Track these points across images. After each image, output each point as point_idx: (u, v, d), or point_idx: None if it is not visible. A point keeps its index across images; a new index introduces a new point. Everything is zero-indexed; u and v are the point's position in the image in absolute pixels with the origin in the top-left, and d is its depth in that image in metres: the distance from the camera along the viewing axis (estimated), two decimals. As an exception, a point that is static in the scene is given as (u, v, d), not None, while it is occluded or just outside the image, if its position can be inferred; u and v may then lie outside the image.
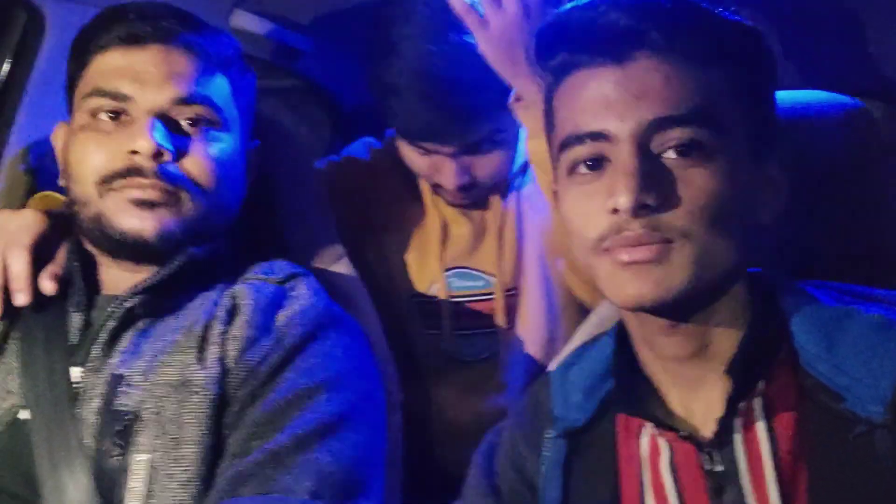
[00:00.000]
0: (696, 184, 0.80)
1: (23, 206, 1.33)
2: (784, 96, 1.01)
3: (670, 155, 0.81)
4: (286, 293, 1.09)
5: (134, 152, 1.03)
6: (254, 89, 1.20)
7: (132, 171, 1.03)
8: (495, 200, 1.43)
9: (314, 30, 1.65)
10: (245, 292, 1.08)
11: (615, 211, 0.80)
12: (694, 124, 0.80)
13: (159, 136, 1.03)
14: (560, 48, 0.86)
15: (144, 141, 1.02)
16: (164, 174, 1.04)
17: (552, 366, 1.06)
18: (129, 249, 1.06)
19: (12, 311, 1.07)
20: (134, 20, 1.07)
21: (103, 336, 1.04)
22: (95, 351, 1.04)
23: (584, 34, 0.83)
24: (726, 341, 0.85)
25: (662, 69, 0.81)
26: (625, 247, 0.81)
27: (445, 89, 1.25)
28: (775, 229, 0.94)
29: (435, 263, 1.44)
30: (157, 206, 1.04)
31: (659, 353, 0.88)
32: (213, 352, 1.02)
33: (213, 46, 1.11)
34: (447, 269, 1.45)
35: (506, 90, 1.23)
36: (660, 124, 0.80)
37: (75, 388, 1.02)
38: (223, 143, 1.10)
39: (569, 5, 0.85)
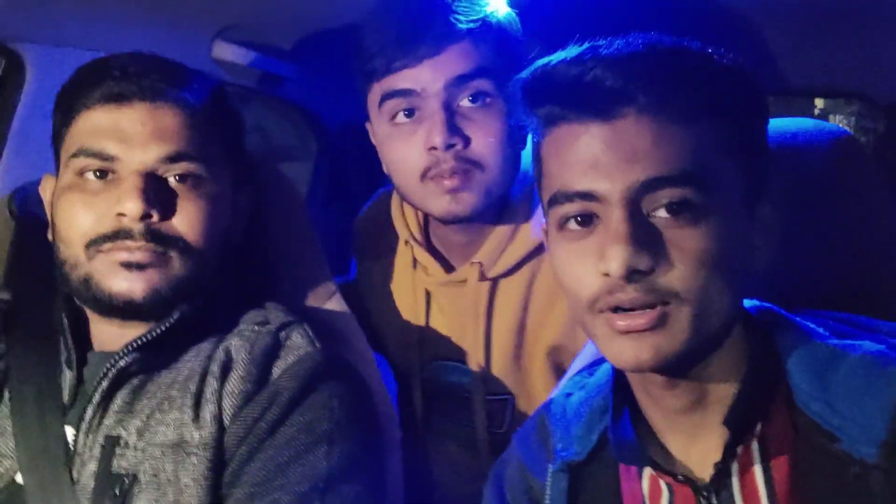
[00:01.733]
0: (688, 245, 0.79)
1: (6, 252, 1.32)
2: (771, 125, 1.02)
3: (661, 214, 0.80)
4: (281, 343, 1.08)
5: (121, 214, 1.02)
6: (242, 130, 1.18)
7: (121, 234, 1.02)
8: (482, 286, 1.35)
9: (295, 55, 1.64)
10: (239, 345, 1.07)
11: (607, 275, 0.80)
12: (684, 184, 0.79)
13: (146, 197, 1.02)
14: (546, 100, 0.85)
15: (132, 203, 1.01)
16: (152, 236, 1.03)
17: (553, 393, 1.06)
18: (118, 310, 1.04)
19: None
20: (118, 77, 1.06)
21: (97, 396, 1.03)
22: (89, 412, 1.03)
23: (571, 90, 0.82)
24: (724, 389, 0.85)
25: (650, 128, 0.80)
26: (619, 313, 0.80)
27: (423, 3, 1.25)
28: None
29: (414, 356, 1.41)
30: (146, 267, 1.03)
31: (658, 404, 0.88)
32: (209, 410, 1.01)
33: (199, 98, 1.10)
34: (434, 360, 1.41)
35: (496, 30, 1.25)
36: (650, 185, 0.79)
37: (70, 449, 1.01)
38: (211, 198, 1.08)
39: (555, 57, 0.84)
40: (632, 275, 0.78)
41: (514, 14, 1.30)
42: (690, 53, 0.84)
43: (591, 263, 0.81)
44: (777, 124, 1.02)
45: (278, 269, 1.27)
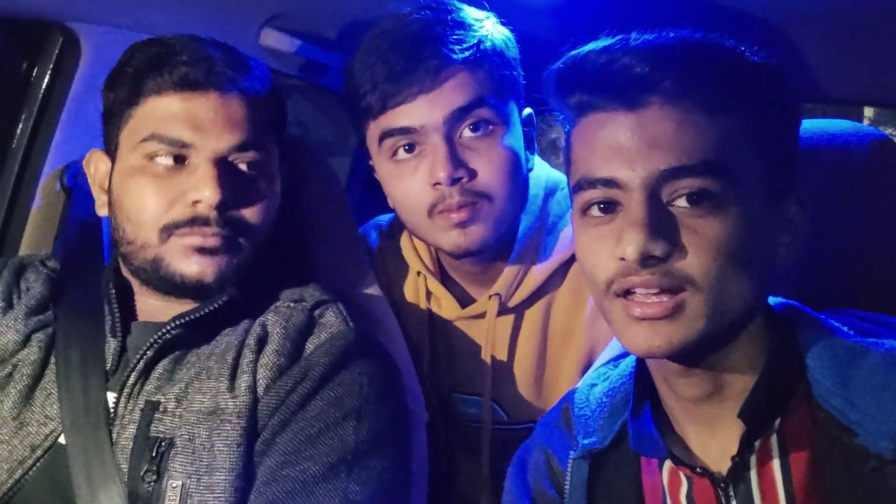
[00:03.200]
0: (706, 233, 0.80)
1: (58, 223, 1.37)
2: (809, 125, 1.02)
3: (681, 203, 0.81)
4: (315, 321, 1.11)
5: (197, 202, 1.06)
6: (286, 113, 1.21)
7: (197, 220, 1.06)
8: (502, 318, 1.32)
9: (340, 45, 1.66)
10: (275, 321, 1.10)
11: (623, 259, 0.81)
12: (705, 175, 0.80)
13: (221, 186, 1.05)
14: (576, 88, 0.86)
15: (209, 192, 1.05)
16: (226, 223, 1.07)
17: (579, 383, 1.08)
18: (186, 290, 1.08)
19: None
20: (188, 63, 1.08)
21: (140, 364, 1.06)
22: (132, 378, 1.06)
23: (600, 78, 0.84)
24: (741, 381, 0.86)
25: (674, 117, 0.81)
26: (635, 301, 0.82)
27: (417, 33, 1.20)
28: (798, 258, 0.94)
29: (427, 389, 1.34)
30: (218, 252, 1.07)
31: (675, 392, 0.89)
32: (244, 380, 1.05)
33: (260, 87, 1.13)
34: (454, 392, 1.39)
35: (495, 55, 1.22)
36: (670, 174, 0.81)
37: (111, 413, 1.05)
38: (271, 183, 1.13)
39: (585, 48, 0.86)
40: (646, 260, 0.80)
41: (509, 34, 1.27)
42: (719, 47, 0.85)
43: (609, 248, 0.83)
44: (816, 125, 1.03)
45: (316, 250, 1.29)
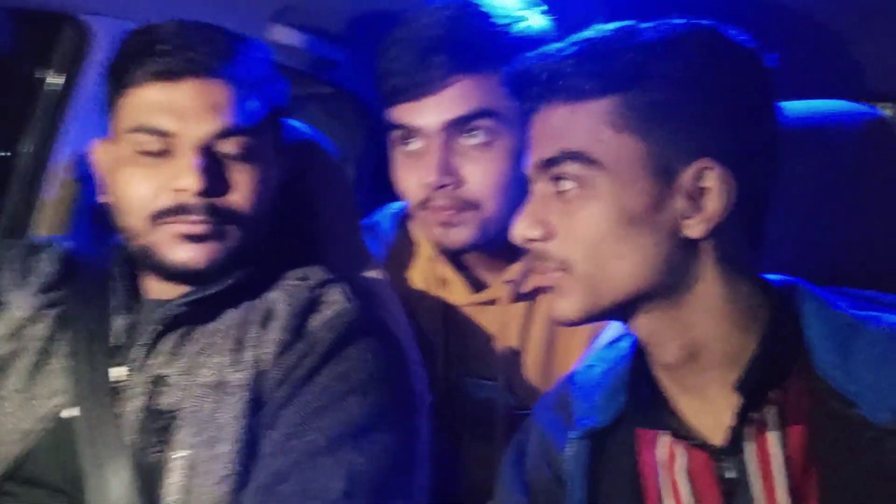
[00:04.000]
0: (578, 216, 0.85)
1: (69, 211, 1.40)
2: (801, 106, 1.03)
3: (553, 187, 0.88)
4: (320, 298, 1.13)
5: (180, 190, 1.06)
6: (286, 96, 1.21)
7: (181, 209, 1.06)
8: (515, 305, 1.33)
9: (348, 40, 1.68)
10: (280, 297, 1.12)
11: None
12: (569, 160, 0.86)
13: (203, 174, 1.05)
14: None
15: (190, 179, 1.05)
16: (210, 211, 1.07)
17: (577, 365, 1.09)
18: (179, 276, 1.10)
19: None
20: (168, 52, 1.08)
21: (147, 339, 1.09)
22: (138, 352, 1.08)
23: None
24: (719, 348, 0.87)
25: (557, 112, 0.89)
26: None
27: (432, 33, 1.21)
28: (793, 238, 0.95)
29: (438, 374, 1.34)
30: (206, 239, 1.07)
31: (656, 360, 0.91)
32: (248, 355, 1.07)
33: (247, 70, 1.12)
34: (465, 376, 1.38)
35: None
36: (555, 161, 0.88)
37: (118, 386, 1.07)
38: (261, 168, 1.12)
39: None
40: (527, 243, 0.89)
41: (542, 29, 1.25)
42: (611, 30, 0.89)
43: None
44: (809, 105, 1.03)
45: (320, 233, 1.30)
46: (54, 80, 1.42)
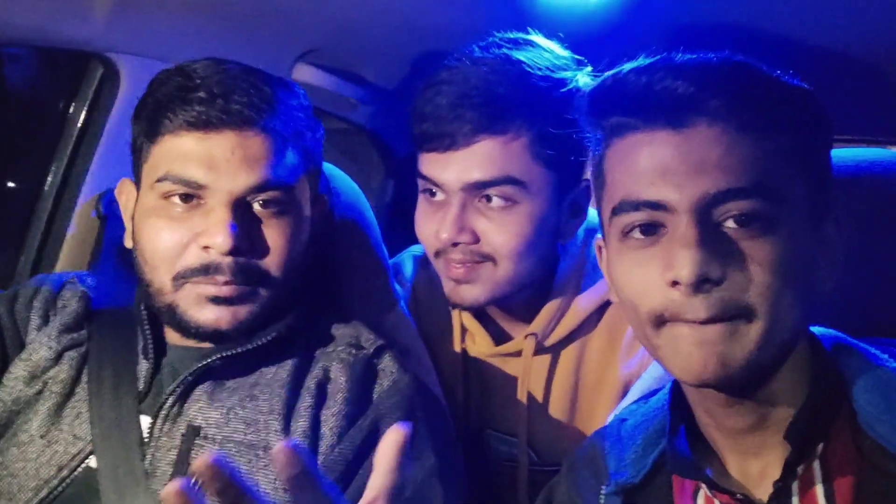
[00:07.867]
0: (759, 255, 0.78)
1: (93, 250, 1.39)
2: (847, 153, 1.02)
3: (730, 224, 0.79)
4: (376, 367, 1.10)
5: (209, 247, 1.02)
6: (321, 143, 1.17)
7: (210, 269, 1.03)
8: (538, 358, 1.31)
9: (371, 81, 1.69)
10: (338, 368, 1.08)
11: (675, 283, 0.79)
12: (755, 196, 0.79)
13: (235, 232, 1.01)
14: (614, 110, 0.85)
15: (221, 237, 1.01)
16: (240, 272, 1.03)
17: (608, 419, 1.06)
18: (203, 337, 1.06)
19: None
20: (205, 101, 1.03)
21: (178, 388, 1.05)
22: (170, 401, 1.04)
23: (641, 98, 0.82)
24: (785, 411, 0.84)
25: (722, 139, 0.79)
26: (689, 323, 0.80)
27: (467, 87, 1.18)
28: (839, 286, 0.94)
29: (460, 425, 1.33)
30: (234, 302, 1.04)
31: (718, 423, 0.88)
32: (301, 425, 1.03)
33: (286, 121, 1.07)
34: (486, 428, 1.37)
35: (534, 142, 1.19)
36: (721, 197, 0.79)
37: (145, 436, 1.03)
38: (295, 222, 1.08)
39: (625, 67, 0.85)
40: (702, 284, 0.78)
41: (587, 84, 1.16)
42: (760, 69, 0.84)
43: (655, 273, 0.80)
44: (855, 153, 1.02)
45: (345, 276, 1.30)
46: (81, 116, 1.42)
